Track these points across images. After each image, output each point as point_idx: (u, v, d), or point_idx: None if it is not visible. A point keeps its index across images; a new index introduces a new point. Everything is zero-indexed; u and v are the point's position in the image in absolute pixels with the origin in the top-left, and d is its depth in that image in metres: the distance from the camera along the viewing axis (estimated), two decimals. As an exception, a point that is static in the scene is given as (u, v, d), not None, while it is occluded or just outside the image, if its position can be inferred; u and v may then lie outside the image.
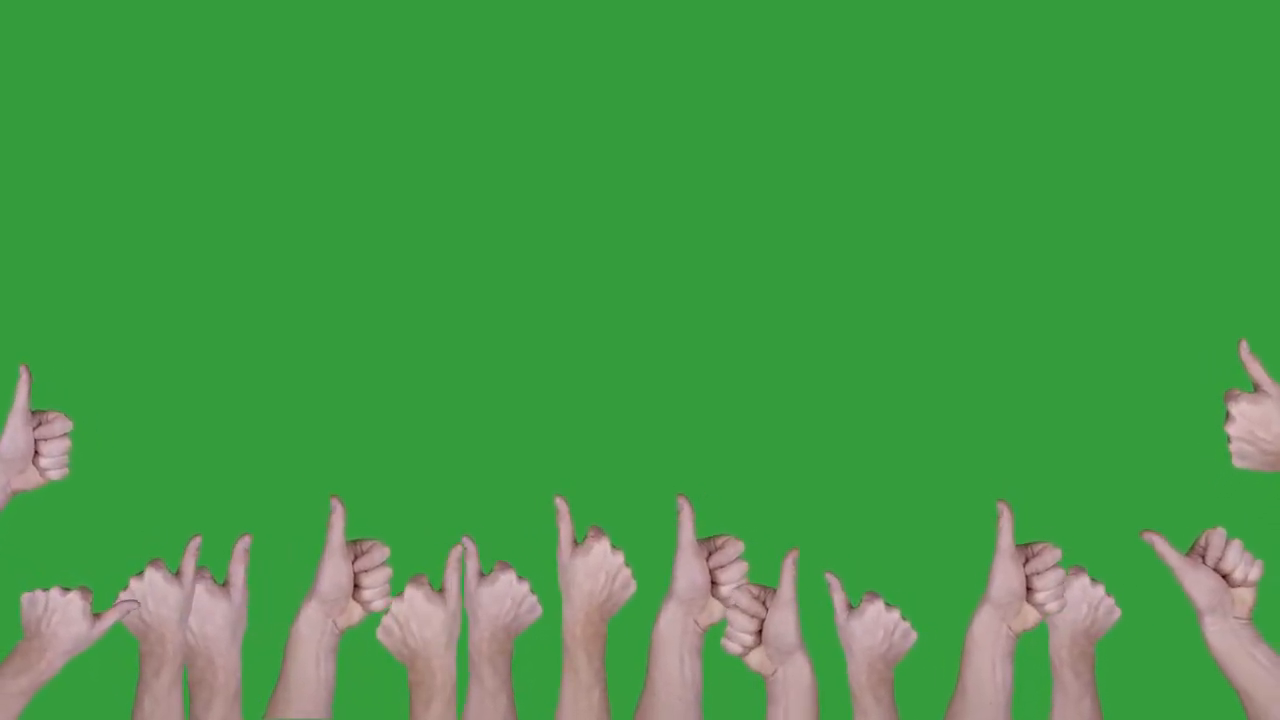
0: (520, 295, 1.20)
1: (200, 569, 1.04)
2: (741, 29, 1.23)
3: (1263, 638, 1.04)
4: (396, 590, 1.18)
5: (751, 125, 1.22)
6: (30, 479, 1.05)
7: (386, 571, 1.06)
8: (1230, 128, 1.21)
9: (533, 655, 1.10)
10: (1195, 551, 1.05)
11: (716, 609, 1.05)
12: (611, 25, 1.23)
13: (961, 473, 1.17)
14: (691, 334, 1.19)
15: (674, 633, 1.04)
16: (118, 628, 1.08)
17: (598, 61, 1.22)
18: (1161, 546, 1.03)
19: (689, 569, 1.04)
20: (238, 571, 1.04)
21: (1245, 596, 1.04)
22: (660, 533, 1.14)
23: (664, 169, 1.21)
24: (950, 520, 1.16)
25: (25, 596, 1.00)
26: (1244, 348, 1.04)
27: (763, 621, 1.04)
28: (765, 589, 1.05)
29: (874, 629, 1.04)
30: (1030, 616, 1.03)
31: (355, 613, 1.05)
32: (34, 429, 1.05)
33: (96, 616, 1.01)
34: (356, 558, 1.06)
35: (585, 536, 1.06)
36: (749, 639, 1.04)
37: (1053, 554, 1.03)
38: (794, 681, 1.03)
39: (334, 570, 1.04)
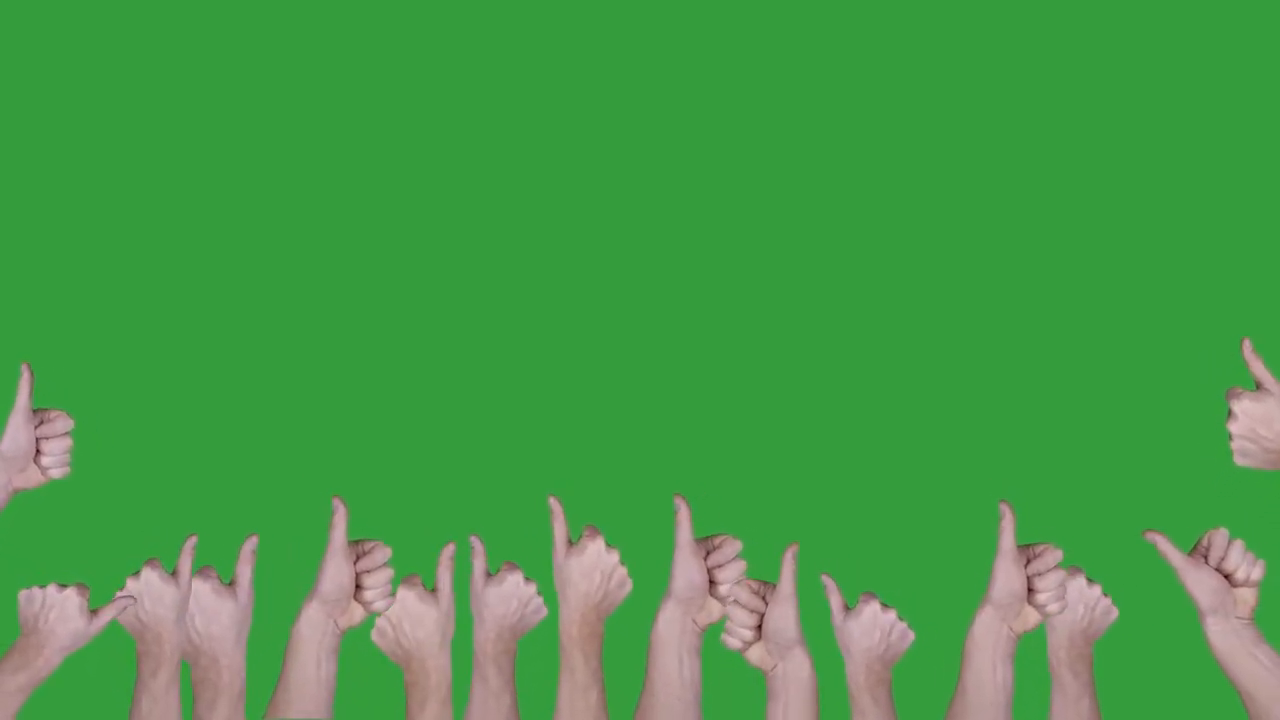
0: (519, 296, 1.19)
1: (206, 568, 1.04)
2: (740, 29, 1.22)
3: (1264, 638, 1.03)
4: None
5: (750, 126, 1.22)
6: (32, 477, 1.04)
7: (388, 572, 1.05)
8: (1230, 128, 1.21)
9: (531, 655, 1.09)
10: (1198, 551, 1.05)
11: (715, 608, 1.04)
12: (611, 25, 1.22)
13: (961, 473, 1.16)
14: (689, 334, 1.19)
15: (672, 632, 1.03)
16: (115, 628, 1.08)
17: (593, 62, 1.22)
18: (1164, 546, 1.02)
19: (687, 568, 1.03)
20: (244, 572, 1.03)
21: (1247, 597, 1.03)
22: (659, 532, 1.13)
23: (662, 169, 1.21)
24: (950, 520, 1.15)
25: (22, 593, 1.00)
26: (1247, 346, 1.04)
27: (762, 616, 1.03)
28: (765, 584, 1.05)
29: (871, 630, 1.03)
30: (1031, 617, 1.02)
31: (356, 613, 1.05)
32: (35, 427, 1.04)
33: (93, 613, 1.00)
34: (358, 558, 1.05)
35: (580, 536, 1.05)
36: (749, 634, 1.03)
37: (1054, 555, 1.02)
38: (794, 676, 1.03)
39: (336, 571, 1.03)
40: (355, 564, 1.04)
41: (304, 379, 1.17)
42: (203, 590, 1.02)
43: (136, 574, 1.02)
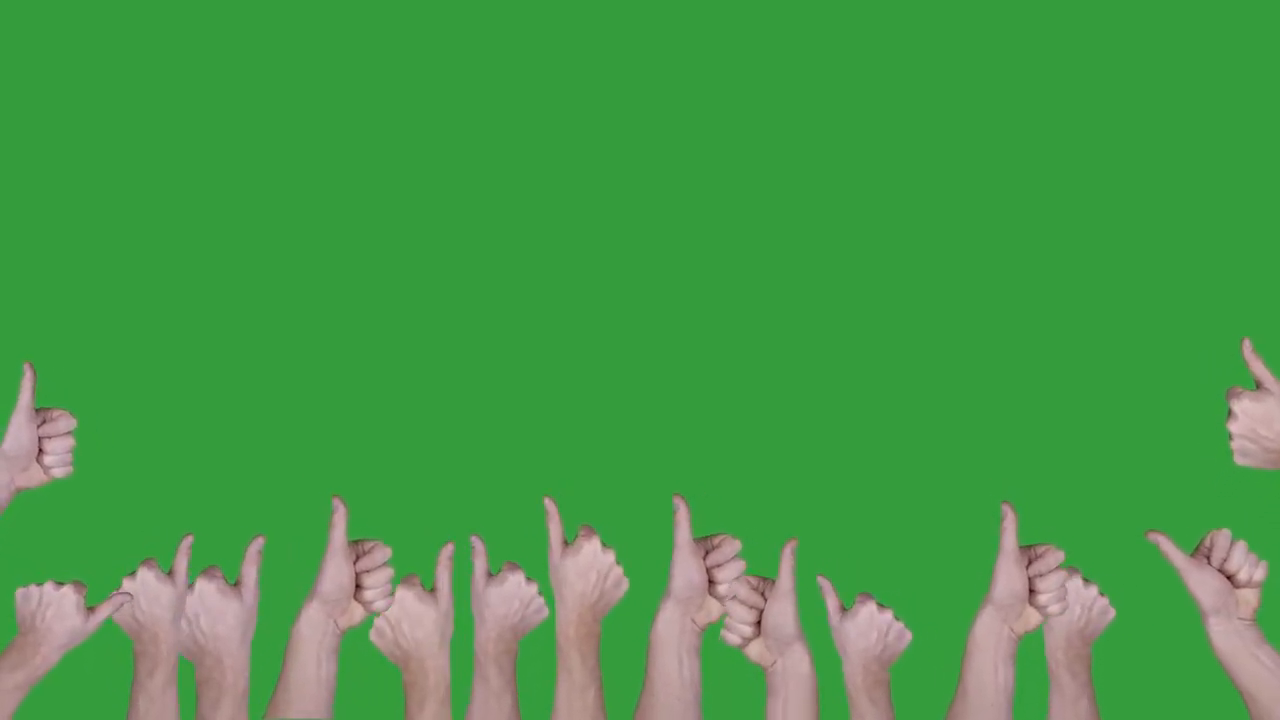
0: (519, 296, 1.18)
1: (211, 568, 1.03)
2: (740, 29, 1.22)
3: (1266, 639, 1.02)
4: None
5: (749, 125, 1.20)
6: (34, 476, 1.03)
7: (388, 572, 1.04)
8: (1230, 128, 1.19)
9: (529, 655, 1.08)
10: (1200, 552, 1.04)
11: (714, 608, 1.03)
12: (610, 25, 1.21)
13: (961, 473, 1.15)
14: (688, 334, 1.17)
15: (672, 632, 1.02)
16: (113, 628, 1.07)
17: (591, 63, 1.21)
18: (1167, 547, 1.01)
19: (686, 568, 1.02)
20: (250, 572, 1.02)
21: (1250, 597, 1.02)
22: (657, 532, 1.12)
23: (660, 170, 1.20)
24: (950, 521, 1.14)
25: (19, 591, 0.99)
26: (1247, 346, 1.03)
27: (762, 612, 1.02)
28: (764, 580, 1.04)
29: (867, 630, 1.02)
30: (1032, 618, 1.01)
31: (356, 613, 1.03)
32: (38, 427, 1.03)
33: (90, 610, 0.99)
34: (358, 558, 1.04)
35: (576, 536, 1.05)
36: (748, 630, 1.02)
37: (1055, 556, 1.01)
38: (793, 672, 1.01)
39: (336, 570, 1.02)
40: (355, 564, 1.03)
41: (304, 379, 1.15)
42: (208, 590, 1.01)
43: (133, 574, 1.01)
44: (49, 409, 1.04)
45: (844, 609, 1.03)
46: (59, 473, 1.03)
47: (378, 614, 1.03)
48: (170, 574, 1.01)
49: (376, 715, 1.06)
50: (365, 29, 1.20)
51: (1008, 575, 0.99)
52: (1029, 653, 1.07)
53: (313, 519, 1.12)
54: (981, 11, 1.21)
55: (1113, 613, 1.05)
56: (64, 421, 1.03)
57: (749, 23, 1.21)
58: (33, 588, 0.98)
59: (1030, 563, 1.01)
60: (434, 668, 1.02)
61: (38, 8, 1.19)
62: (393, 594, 1.03)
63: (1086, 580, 1.05)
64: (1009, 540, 0.99)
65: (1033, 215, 1.19)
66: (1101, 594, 1.05)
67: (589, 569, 1.02)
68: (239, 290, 1.17)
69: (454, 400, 1.15)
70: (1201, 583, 1.00)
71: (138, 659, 1.01)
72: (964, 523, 1.13)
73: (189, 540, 1.02)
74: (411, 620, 1.02)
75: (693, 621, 1.02)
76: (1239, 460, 1.03)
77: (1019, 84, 1.20)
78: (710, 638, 1.06)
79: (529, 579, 1.04)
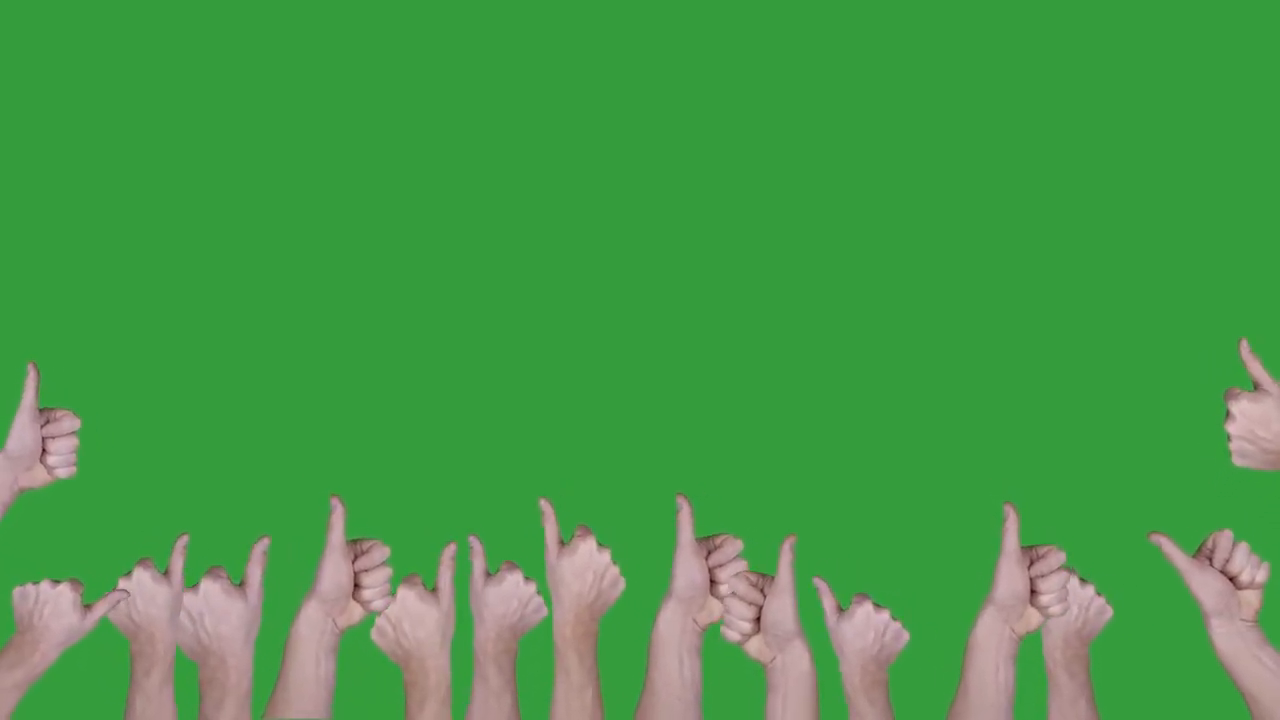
0: (518, 296, 1.17)
1: (216, 568, 1.02)
2: (740, 30, 1.22)
3: (1268, 640, 1.01)
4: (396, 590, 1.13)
5: (748, 125, 1.20)
6: (38, 477, 1.02)
7: (387, 571, 1.03)
8: (1230, 128, 1.19)
9: (527, 655, 1.07)
10: (1202, 553, 1.03)
11: (715, 608, 1.03)
12: (610, 25, 1.21)
13: (961, 474, 1.14)
14: (687, 333, 1.16)
15: (673, 632, 1.01)
16: (110, 628, 1.06)
17: (591, 63, 1.20)
18: (1169, 548, 1.00)
19: (688, 568, 1.01)
20: (255, 573, 1.01)
21: (1252, 599, 1.01)
22: (656, 532, 1.11)
23: (660, 169, 1.19)
24: (951, 522, 1.13)
25: (16, 590, 0.98)
26: (1244, 346, 1.02)
27: (761, 609, 1.01)
28: (763, 576, 1.03)
29: (864, 631, 1.01)
30: (1033, 619, 1.00)
31: (355, 612, 1.02)
32: (42, 427, 1.02)
33: (87, 608, 0.98)
34: (357, 557, 1.03)
35: (572, 537, 1.04)
36: (747, 626, 1.01)
37: (1057, 557, 1.01)
38: (793, 668, 1.00)
39: (334, 570, 1.01)
40: (354, 563, 1.02)
41: (304, 380, 1.15)
42: (213, 590, 1.00)
43: (128, 574, 1.00)
44: (53, 409, 1.03)
45: (841, 609, 1.02)
46: (63, 473, 1.02)
47: (376, 613, 1.02)
48: (166, 573, 1.01)
49: (377, 715, 1.05)
50: (365, 29, 1.20)
51: (1009, 576, 0.98)
52: (1028, 653, 1.06)
53: (312, 519, 1.11)
54: (981, 12, 1.20)
55: (1110, 612, 1.04)
56: (68, 422, 1.02)
57: (748, 23, 1.21)
58: (29, 586, 0.97)
59: (1032, 563, 1.00)
60: (435, 667, 1.01)
61: (38, 8, 1.19)
62: (391, 593, 1.02)
63: (1083, 580, 1.05)
64: (1011, 541, 0.98)
65: (1035, 217, 1.18)
66: (1099, 594, 1.04)
67: (585, 569, 1.02)
68: (240, 292, 1.16)
69: (453, 400, 1.15)
70: (1204, 584, 0.99)
71: (134, 659, 1.00)
72: (964, 523, 1.12)
73: (184, 540, 1.01)
74: (413, 620, 1.01)
75: (694, 621, 1.01)
76: (1237, 461, 1.02)
77: (1020, 86, 1.20)
78: (710, 637, 1.05)
79: (527, 578, 1.03)
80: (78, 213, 1.17)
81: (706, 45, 1.21)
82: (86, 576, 1.07)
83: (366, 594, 1.01)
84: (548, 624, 1.07)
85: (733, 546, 1.02)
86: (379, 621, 1.02)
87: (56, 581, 0.97)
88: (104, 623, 1.04)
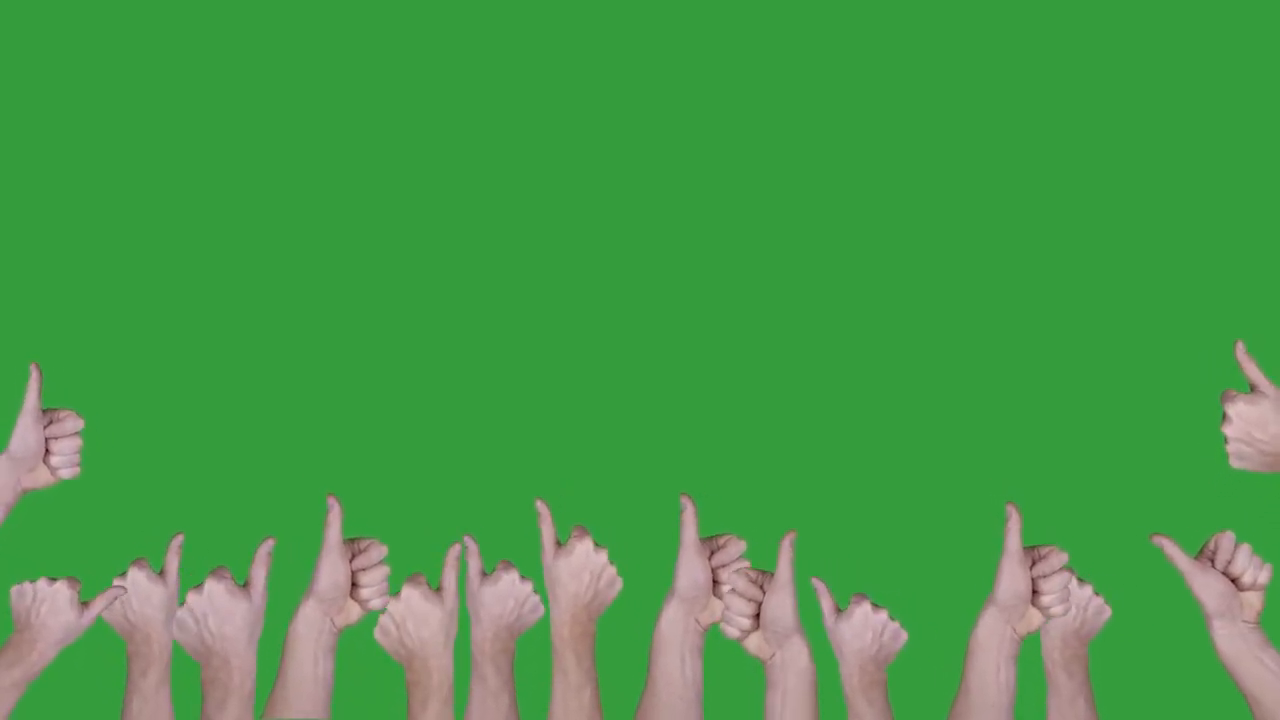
0: (518, 296, 1.16)
1: (220, 569, 1.00)
2: (740, 30, 1.21)
3: (1270, 642, 0.99)
4: (396, 589, 1.13)
5: (749, 124, 1.19)
6: (41, 477, 1.01)
7: (384, 570, 1.01)
8: (1230, 129, 1.18)
9: (526, 656, 1.05)
10: (1204, 555, 1.01)
11: (718, 608, 1.01)
12: (610, 26, 1.21)
13: (962, 474, 1.12)
14: (687, 333, 1.15)
15: (675, 632, 1.00)
16: (108, 629, 1.04)
17: (591, 63, 1.20)
18: (1171, 550, 0.99)
19: (691, 568, 1.00)
20: (259, 574, 1.00)
21: (1254, 600, 0.99)
22: (655, 532, 1.10)
23: (661, 169, 1.18)
24: (951, 522, 1.12)
25: (14, 589, 0.97)
26: (1240, 349, 1.01)
27: (760, 605, 1.00)
28: (763, 573, 1.02)
29: (863, 631, 1.00)
30: (1034, 619, 0.99)
31: (353, 611, 1.01)
32: (45, 427, 1.01)
33: (84, 605, 0.97)
34: (354, 556, 1.02)
35: (568, 537, 1.03)
36: (746, 622, 1.00)
37: (1059, 557, 0.99)
38: (792, 664, 0.99)
39: (331, 569, 0.99)
40: (351, 562, 1.01)
41: (304, 381, 1.14)
42: (217, 590, 0.99)
43: (123, 574, 0.99)
44: (56, 409, 1.02)
45: (839, 610, 1.00)
46: (66, 474, 1.00)
47: (374, 612, 1.01)
48: (161, 574, 0.99)
49: (377, 715, 1.03)
50: (365, 29, 1.19)
51: (1011, 576, 0.97)
52: (1027, 653, 1.05)
53: (311, 519, 1.10)
54: (981, 12, 1.20)
55: (1108, 612, 1.03)
56: (71, 422, 1.01)
57: (748, 23, 1.20)
58: (26, 584, 0.96)
59: (1034, 564, 0.99)
60: (438, 667, 0.99)
61: (39, 8, 1.19)
62: (389, 592, 1.01)
63: (1081, 580, 1.04)
64: (1013, 541, 0.97)
65: (1037, 220, 1.17)
66: (1097, 594, 1.03)
67: (582, 569, 1.00)
68: (241, 293, 1.15)
69: (450, 400, 1.13)
70: (1206, 586, 0.97)
71: (131, 659, 0.98)
72: (964, 523, 1.11)
73: (179, 539, 1.00)
74: (417, 619, 0.99)
75: (696, 621, 1.00)
76: (1235, 463, 1.01)
77: (1020, 88, 1.19)
78: (710, 636, 1.04)
79: (523, 577, 1.02)
80: (80, 214, 1.16)
81: (706, 46, 1.20)
82: (89, 576, 1.06)
83: (364, 593, 1.00)
84: (545, 624, 1.05)
85: (736, 547, 1.01)
86: (382, 620, 1.00)
87: (53, 579, 0.96)
88: (101, 624, 1.03)
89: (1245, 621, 0.98)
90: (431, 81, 1.19)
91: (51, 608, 0.95)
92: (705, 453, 1.13)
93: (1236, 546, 0.99)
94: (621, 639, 1.04)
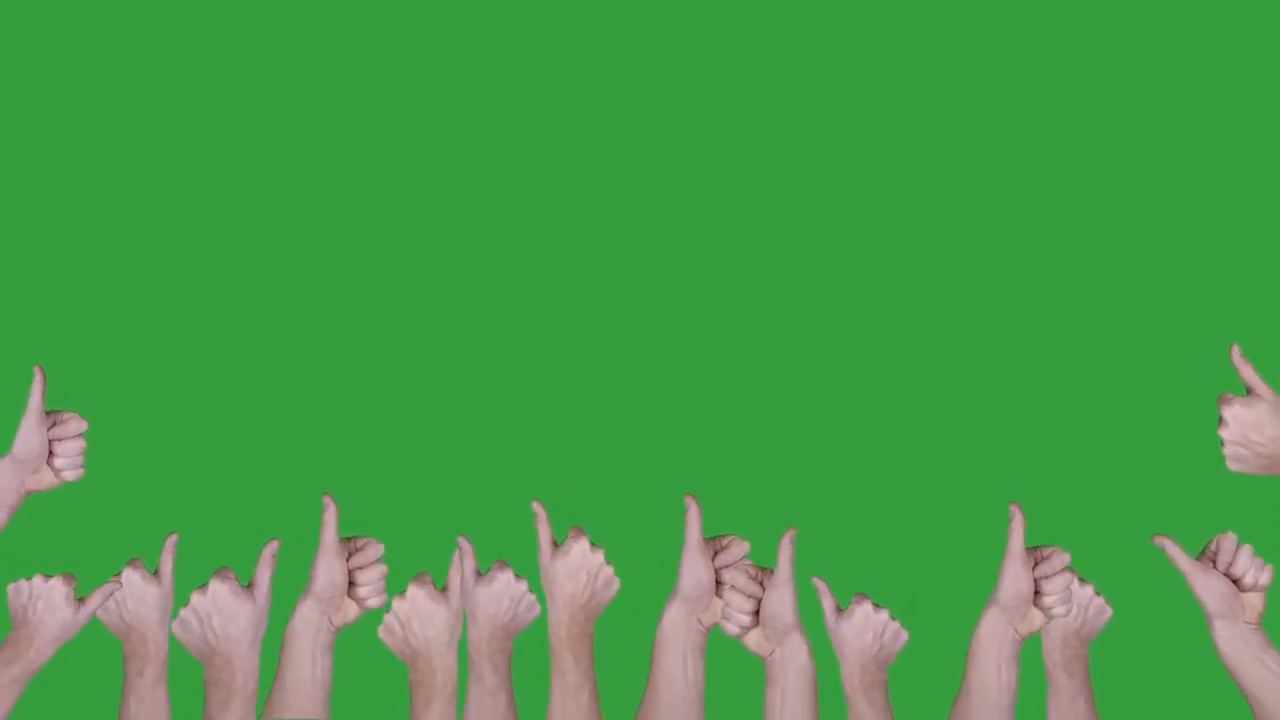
0: (515, 296, 1.15)
1: (224, 569, 0.99)
2: (740, 30, 1.21)
3: (1272, 643, 0.98)
4: (393, 588, 1.13)
5: (750, 124, 1.19)
6: (44, 479, 1.00)
7: (381, 569, 1.00)
8: (1228, 131, 1.18)
9: (524, 656, 1.04)
10: (1206, 556, 1.00)
11: (720, 608, 1.00)
12: (610, 26, 1.20)
13: (962, 475, 1.12)
14: (688, 333, 1.15)
15: (678, 632, 0.99)
16: (104, 630, 1.03)
17: (592, 63, 1.19)
18: (1173, 551, 0.98)
19: (695, 568, 0.99)
20: (263, 575, 0.99)
21: (1255, 601, 0.98)
22: (653, 532, 1.09)
23: (660, 170, 1.18)
24: (952, 522, 1.11)
25: (10, 586, 0.96)
26: (1235, 352, 1.00)
27: (760, 602, 0.99)
28: (763, 570, 1.00)
29: (863, 631, 0.99)
30: (1036, 619, 0.98)
31: (351, 610, 1.00)
32: (48, 429, 1.00)
33: (80, 601, 0.96)
34: (351, 555, 1.01)
35: (565, 538, 1.02)
36: (746, 619, 0.99)
37: (1061, 558, 0.98)
38: (791, 661, 0.98)
39: (328, 568, 0.98)
40: (348, 561, 1.00)
41: (304, 381, 1.13)
42: (221, 591, 0.98)
43: (118, 575, 0.99)
44: (59, 411, 1.01)
45: (840, 609, 1.00)
46: (70, 475, 1.00)
47: (372, 611, 1.00)
48: (155, 573, 0.99)
49: (378, 714, 1.02)
50: (365, 29, 1.19)
51: (1014, 576, 0.96)
52: (1027, 653, 1.04)
53: (310, 519, 1.10)
54: (980, 12, 1.20)
55: (1109, 612, 1.02)
56: (74, 424, 1.00)
57: (748, 23, 1.20)
58: (22, 582, 0.95)
59: (1036, 564, 0.98)
60: (442, 667, 0.98)
61: (39, 8, 1.19)
62: (386, 590, 1.00)
63: (1082, 580, 1.03)
64: (1016, 541, 0.96)
65: (1038, 222, 1.17)
66: (1098, 594, 1.02)
67: (579, 570, 0.99)
68: (241, 294, 1.15)
69: (448, 400, 1.13)
70: (1207, 587, 0.96)
71: (127, 659, 0.97)
72: (964, 523, 1.10)
73: (174, 539, 0.99)
74: (422, 619, 0.98)
75: (699, 622, 0.99)
76: (1232, 466, 1.00)
77: (1020, 89, 1.18)
78: (711, 636, 1.03)
79: (518, 576, 1.01)
80: (82, 216, 1.16)
81: (706, 46, 1.20)
82: (91, 577, 1.05)
83: (361, 591, 0.99)
84: (543, 625, 1.04)
85: (739, 548, 1.00)
86: (387, 619, 0.99)
87: (48, 576, 0.96)
88: (98, 624, 1.02)
89: (1247, 622, 0.97)
90: (430, 82, 1.19)
91: (48, 604, 0.94)
92: (705, 453, 1.12)
93: (1238, 547, 0.98)
94: (621, 639, 1.03)
